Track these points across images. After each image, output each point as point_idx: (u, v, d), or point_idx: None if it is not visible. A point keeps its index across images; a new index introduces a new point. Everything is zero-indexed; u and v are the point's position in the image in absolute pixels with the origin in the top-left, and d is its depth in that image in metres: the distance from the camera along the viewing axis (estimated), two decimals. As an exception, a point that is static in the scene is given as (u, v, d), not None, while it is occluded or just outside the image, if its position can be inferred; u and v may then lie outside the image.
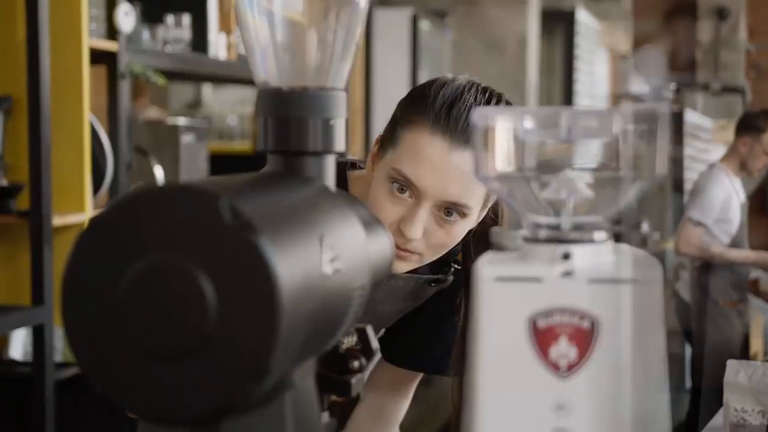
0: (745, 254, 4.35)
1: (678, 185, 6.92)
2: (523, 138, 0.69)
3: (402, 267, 1.31)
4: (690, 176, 7.05)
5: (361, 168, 1.44)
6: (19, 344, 2.69)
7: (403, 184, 1.26)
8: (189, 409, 0.60)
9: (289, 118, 0.76)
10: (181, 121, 3.27)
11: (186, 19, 3.15)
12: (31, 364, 2.49)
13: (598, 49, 8.37)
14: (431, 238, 1.28)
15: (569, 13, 7.35)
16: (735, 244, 4.35)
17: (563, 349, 0.67)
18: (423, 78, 6.60)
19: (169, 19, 3.11)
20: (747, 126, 4.29)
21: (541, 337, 0.67)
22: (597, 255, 0.68)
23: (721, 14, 9.15)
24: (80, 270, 0.62)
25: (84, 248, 0.62)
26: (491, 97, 1.30)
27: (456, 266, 1.44)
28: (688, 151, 6.83)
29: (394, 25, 5.37)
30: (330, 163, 0.79)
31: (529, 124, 0.69)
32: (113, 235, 0.62)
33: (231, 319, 0.59)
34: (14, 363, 2.67)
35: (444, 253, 1.33)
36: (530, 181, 0.70)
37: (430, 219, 1.27)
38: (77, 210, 2.55)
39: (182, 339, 0.60)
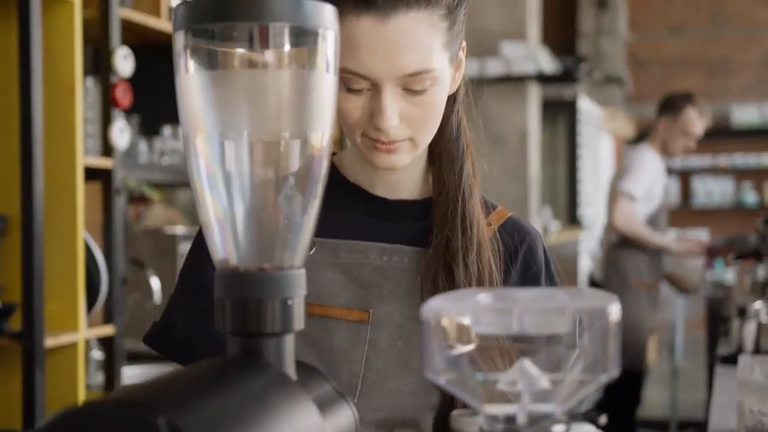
0: (669, 241, 4.27)
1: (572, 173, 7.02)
2: (476, 331, 0.68)
3: (399, 160, 1.19)
4: (581, 165, 7.11)
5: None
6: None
7: (352, 81, 1.15)
8: None
9: (247, 299, 0.76)
10: (180, 229, 3.27)
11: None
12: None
13: (601, 134, 8.43)
14: (411, 119, 1.17)
15: (571, 102, 7.41)
16: (652, 222, 4.28)
17: None
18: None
19: (166, 130, 3.14)
20: (666, 107, 4.33)
21: None
22: (554, 451, 0.67)
23: (602, 3, 9.21)
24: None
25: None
26: None
27: None
28: (580, 139, 6.93)
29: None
30: (289, 343, 0.78)
31: (481, 318, 0.68)
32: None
33: None
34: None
35: (435, 129, 1.21)
36: (484, 374, 0.68)
37: (399, 101, 1.16)
38: (71, 329, 2.53)
39: None
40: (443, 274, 1.21)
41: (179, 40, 0.75)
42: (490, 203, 1.33)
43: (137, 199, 3.79)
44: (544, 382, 0.68)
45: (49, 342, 2.43)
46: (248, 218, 0.77)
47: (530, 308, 0.67)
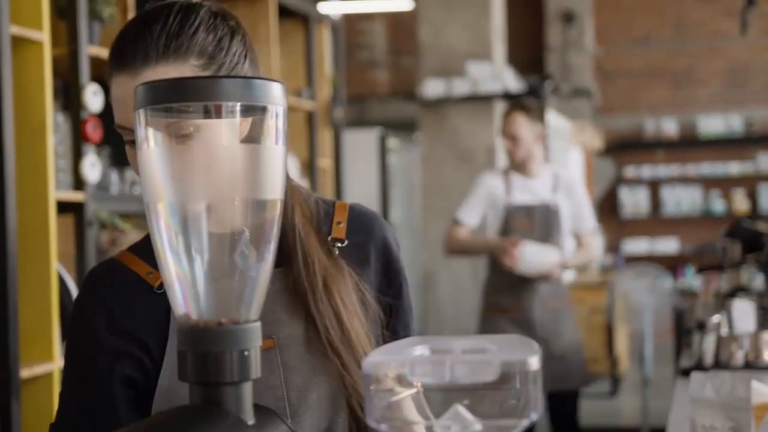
0: (479, 240, 4.21)
1: None
2: (411, 380, 0.75)
3: None
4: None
5: None
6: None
7: (125, 134, 1.22)
8: None
9: (206, 352, 0.83)
10: (151, 257, 3.32)
11: (153, 159, 3.22)
12: None
13: (570, 147, 8.53)
14: None
15: (538, 117, 7.51)
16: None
17: None
18: (393, 194, 6.76)
19: (137, 161, 3.20)
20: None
21: None
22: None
23: (568, 18, 9.31)
24: None
25: None
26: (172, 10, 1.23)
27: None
28: (548, 153, 6.94)
29: (363, 144, 5.54)
30: (247, 390, 0.85)
31: (417, 369, 0.75)
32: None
33: None
34: None
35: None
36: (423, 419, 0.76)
37: None
38: (46, 360, 2.59)
39: None
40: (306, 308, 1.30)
41: (141, 118, 0.82)
42: (323, 201, 1.39)
43: (112, 227, 3.84)
44: (476, 425, 0.76)
45: (24, 373, 2.48)
46: (207, 277, 0.84)
47: (461, 359, 0.75)
